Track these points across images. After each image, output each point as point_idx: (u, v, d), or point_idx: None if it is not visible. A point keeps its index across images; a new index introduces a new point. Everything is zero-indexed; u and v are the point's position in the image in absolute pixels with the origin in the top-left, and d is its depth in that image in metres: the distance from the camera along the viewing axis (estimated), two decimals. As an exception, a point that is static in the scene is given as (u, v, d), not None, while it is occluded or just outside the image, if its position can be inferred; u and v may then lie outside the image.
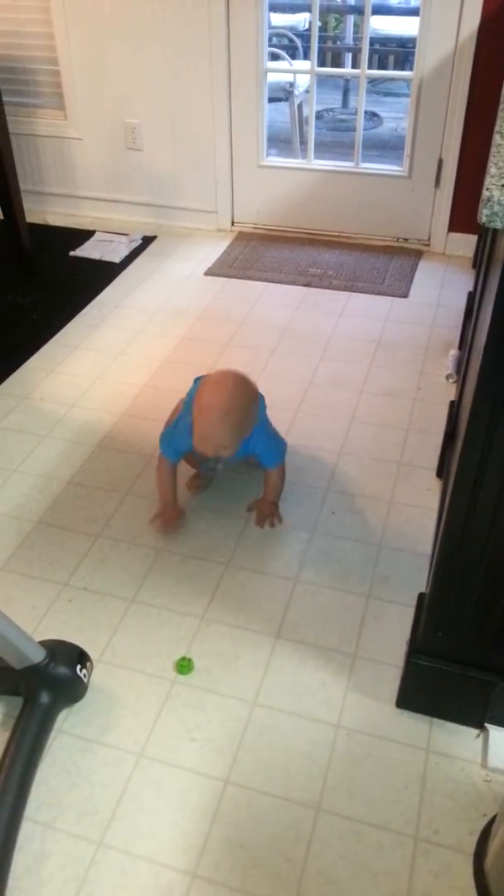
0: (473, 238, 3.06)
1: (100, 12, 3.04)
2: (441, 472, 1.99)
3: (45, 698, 1.37)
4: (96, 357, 2.54)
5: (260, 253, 3.20)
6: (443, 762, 1.37)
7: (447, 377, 2.38)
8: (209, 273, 3.06)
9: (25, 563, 1.77)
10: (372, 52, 4.79)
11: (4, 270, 3.06)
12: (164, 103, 3.17)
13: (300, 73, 4.13)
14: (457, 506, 1.16)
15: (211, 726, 1.43)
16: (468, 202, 3.03)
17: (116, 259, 3.17)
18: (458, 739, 1.40)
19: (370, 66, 3.80)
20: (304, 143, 3.44)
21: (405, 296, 2.87)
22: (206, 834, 1.27)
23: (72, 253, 3.23)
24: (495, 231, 1.23)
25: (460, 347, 2.47)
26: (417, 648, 1.37)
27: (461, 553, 1.20)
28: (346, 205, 3.22)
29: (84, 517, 1.89)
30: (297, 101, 4.17)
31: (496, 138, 1.12)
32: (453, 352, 2.46)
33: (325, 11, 5.55)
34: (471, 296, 2.63)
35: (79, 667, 1.42)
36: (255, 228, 3.38)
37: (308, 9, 4.77)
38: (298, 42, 4.89)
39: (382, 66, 5.34)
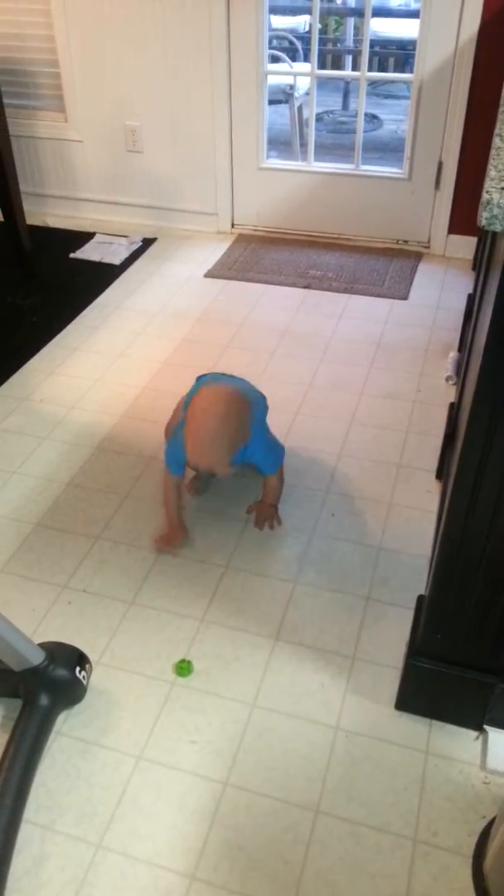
0: (473, 240, 3.06)
1: (100, 15, 3.04)
2: (440, 474, 1.99)
3: (44, 700, 1.37)
4: (96, 359, 2.54)
5: (260, 255, 3.20)
6: (442, 764, 1.37)
7: (447, 379, 2.38)
8: (209, 275, 3.06)
9: (25, 565, 1.77)
10: (372, 54, 4.80)
11: (4, 272, 3.07)
12: (164, 105, 3.18)
13: (300, 75, 4.13)
14: (456, 507, 1.16)
15: (210, 728, 1.43)
16: (468, 204, 3.04)
17: (116, 261, 3.17)
18: (457, 741, 1.40)
19: (370, 69, 3.81)
20: (304, 145, 3.44)
21: (405, 298, 2.87)
22: (204, 836, 1.27)
23: (72, 255, 3.23)
24: (495, 233, 1.23)
25: (460, 349, 2.47)
26: (416, 650, 1.37)
27: (461, 555, 1.21)
28: (346, 207, 3.22)
29: (83, 519, 1.89)
30: (297, 104, 4.18)
31: (496, 141, 1.13)
32: (453, 354, 2.47)
33: (326, 14, 5.56)
34: (470, 298, 2.63)
35: (78, 669, 1.42)
36: (255, 230, 3.38)
37: (308, 11, 4.78)
38: (299, 44, 4.90)
39: (382, 69, 5.35)
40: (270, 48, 3.13)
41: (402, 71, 5.21)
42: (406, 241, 3.23)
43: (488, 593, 1.23)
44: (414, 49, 2.88)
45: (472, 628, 1.28)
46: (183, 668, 1.51)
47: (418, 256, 3.17)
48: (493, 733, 1.40)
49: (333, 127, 5.11)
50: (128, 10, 3.00)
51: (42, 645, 1.42)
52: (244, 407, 1.65)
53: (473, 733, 1.41)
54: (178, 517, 1.81)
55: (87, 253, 3.24)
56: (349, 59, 5.53)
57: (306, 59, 4.63)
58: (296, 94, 4.14)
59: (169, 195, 3.39)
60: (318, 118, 4.98)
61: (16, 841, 1.23)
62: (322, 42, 5.53)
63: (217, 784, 1.34)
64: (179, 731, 1.42)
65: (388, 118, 5.16)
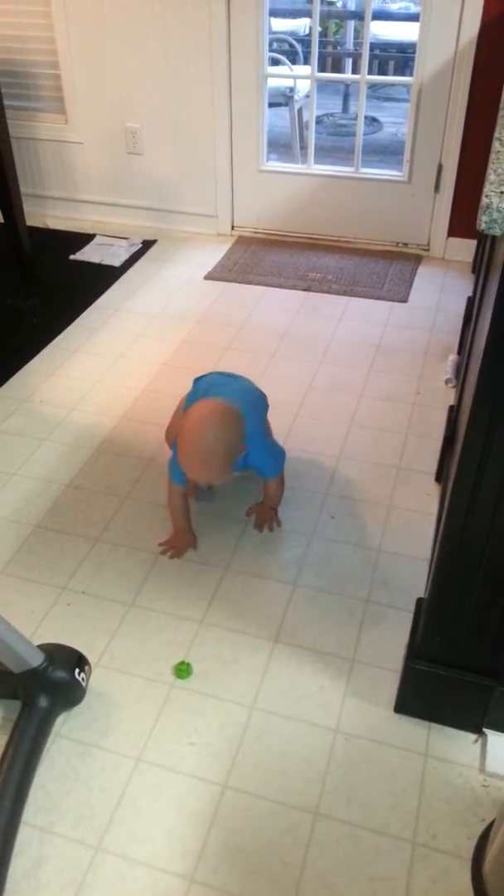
0: (473, 243, 3.07)
1: (101, 17, 3.05)
2: (440, 476, 2.00)
3: (43, 702, 1.37)
4: (96, 361, 2.54)
5: (260, 257, 3.20)
6: (441, 767, 1.37)
7: (446, 382, 2.39)
8: (209, 277, 3.06)
9: (24, 566, 1.77)
10: (372, 57, 4.80)
11: (4, 273, 3.07)
12: (164, 108, 3.18)
13: (300, 78, 4.14)
14: (456, 509, 1.16)
15: (209, 730, 1.42)
16: (468, 207, 3.04)
17: (116, 263, 3.17)
18: (456, 744, 1.40)
19: (370, 72, 3.81)
20: (304, 147, 3.44)
21: (404, 300, 2.88)
22: (203, 838, 1.27)
23: (72, 256, 3.23)
24: (494, 237, 1.23)
25: (459, 352, 2.47)
26: (416, 653, 1.37)
27: (460, 556, 1.21)
28: (345, 209, 3.23)
29: (83, 521, 1.89)
30: (297, 106, 4.18)
31: (495, 145, 1.13)
32: (452, 356, 2.47)
33: (326, 17, 5.57)
34: (470, 301, 2.63)
35: (77, 671, 1.42)
36: (255, 233, 3.39)
37: (308, 14, 4.79)
38: (299, 47, 4.91)
39: (382, 72, 5.35)
40: (270, 51, 3.13)
41: (402, 74, 5.21)
42: (406, 244, 3.23)
43: (488, 595, 1.23)
44: (414, 52, 2.88)
45: (471, 631, 1.28)
46: (182, 670, 1.51)
47: (418, 259, 3.17)
48: (492, 736, 1.39)
49: (333, 130, 5.12)
50: (128, 12, 3.00)
51: (41, 647, 1.42)
52: (234, 421, 1.62)
53: (472, 736, 1.41)
54: (186, 523, 1.81)
55: (87, 254, 3.25)
56: (349, 62, 5.53)
57: (306, 61, 4.63)
58: (296, 97, 4.15)
59: (169, 197, 3.39)
60: (318, 121, 4.98)
61: (14, 843, 1.23)
62: (322, 45, 5.54)
63: (216, 786, 1.34)
64: (178, 733, 1.42)
65: (387, 121, 5.16)
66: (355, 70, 5.08)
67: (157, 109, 3.20)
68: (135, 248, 3.30)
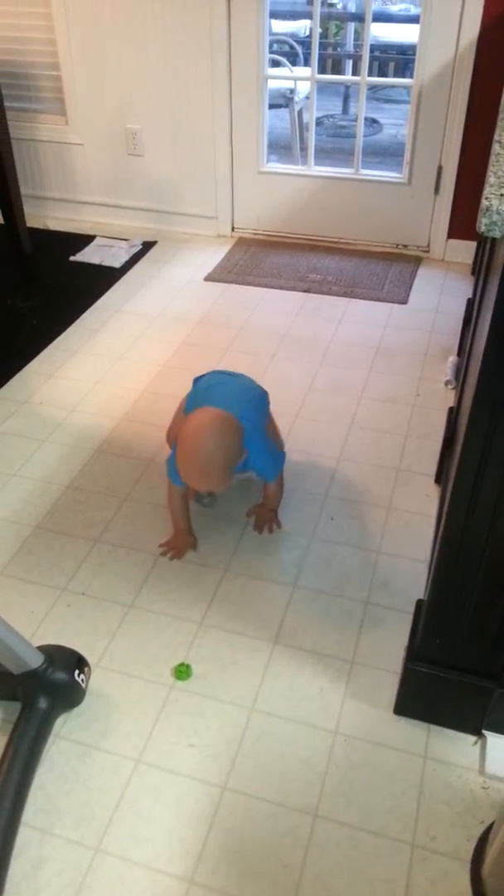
0: (473, 245, 3.07)
1: (101, 18, 3.05)
2: (440, 478, 2.00)
3: (43, 703, 1.37)
4: (96, 362, 2.54)
5: (260, 259, 3.21)
6: (440, 769, 1.37)
7: (446, 383, 2.39)
8: (209, 278, 3.07)
9: (24, 567, 1.77)
10: (372, 59, 4.81)
11: (5, 274, 3.07)
12: (165, 109, 3.18)
13: (301, 79, 4.14)
14: (456, 510, 1.16)
15: (209, 732, 1.42)
16: (467, 209, 3.04)
17: (116, 264, 3.18)
18: (455, 746, 1.40)
19: (370, 73, 3.81)
20: (304, 149, 3.44)
21: (404, 302, 2.88)
22: (203, 840, 1.27)
23: (72, 258, 3.23)
24: (494, 239, 1.24)
25: (459, 354, 2.47)
26: (415, 655, 1.37)
27: (460, 558, 1.21)
28: (345, 211, 3.23)
29: (83, 522, 1.89)
30: (297, 108, 4.19)
31: (495, 147, 1.13)
32: (452, 358, 2.47)
33: (326, 18, 5.57)
34: (470, 302, 2.64)
35: (77, 672, 1.42)
36: (255, 234, 3.39)
37: (309, 16, 4.79)
38: (299, 49, 4.91)
39: (383, 73, 5.36)
40: (271, 52, 3.13)
41: (402, 75, 5.22)
42: (406, 246, 3.23)
43: (487, 597, 1.23)
44: (414, 54, 2.88)
45: (470, 633, 1.28)
46: (182, 671, 1.51)
47: (418, 261, 3.17)
48: (492, 738, 1.39)
49: (333, 131, 5.12)
50: (128, 13, 3.01)
51: (41, 648, 1.42)
52: (233, 430, 1.62)
53: (472, 738, 1.41)
54: (186, 525, 1.81)
55: (87, 256, 3.25)
56: (349, 64, 5.54)
57: (307, 63, 4.64)
58: (296, 98, 4.15)
59: (169, 198, 3.40)
60: (318, 122, 4.98)
61: (14, 844, 1.23)
62: (322, 46, 5.54)
63: (215, 788, 1.34)
64: (178, 734, 1.42)
65: (387, 122, 5.17)
66: (355, 72, 5.08)
67: (157, 111, 3.20)
68: (135, 250, 3.30)
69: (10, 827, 1.23)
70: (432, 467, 2.05)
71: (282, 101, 4.17)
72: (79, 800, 1.32)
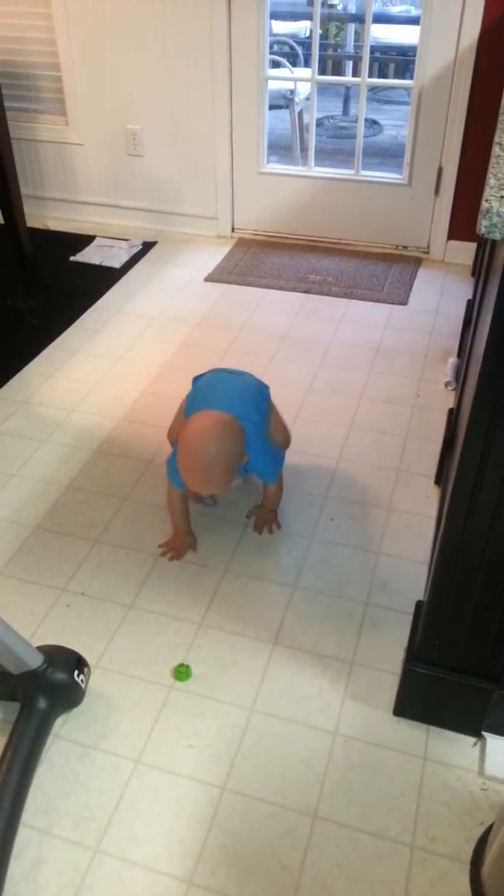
0: (473, 246, 3.07)
1: (101, 19, 3.05)
2: (439, 479, 2.00)
3: (42, 704, 1.37)
4: (96, 362, 2.54)
5: (260, 259, 3.21)
6: (440, 770, 1.37)
7: (446, 385, 2.39)
8: (209, 279, 3.07)
9: (23, 567, 1.77)
10: (372, 60, 4.80)
11: (5, 275, 3.07)
12: (165, 109, 3.18)
13: (301, 80, 4.14)
14: (455, 511, 1.16)
15: (208, 733, 1.42)
16: (467, 210, 3.04)
17: (116, 264, 3.18)
18: (455, 747, 1.40)
19: (371, 75, 3.81)
20: (304, 150, 3.45)
21: (404, 303, 2.88)
22: (202, 841, 1.27)
23: (72, 258, 3.23)
24: (494, 240, 1.24)
25: (459, 355, 2.47)
26: (415, 656, 1.37)
27: (460, 559, 1.21)
28: (345, 212, 3.23)
29: (83, 522, 1.89)
30: (297, 109, 4.19)
31: (495, 149, 1.13)
32: (452, 359, 2.47)
33: (326, 19, 5.57)
34: (470, 304, 2.64)
35: (76, 672, 1.42)
36: (255, 235, 3.39)
37: (309, 17, 4.80)
38: (299, 50, 4.91)
39: (383, 75, 5.36)
40: (271, 53, 3.13)
41: (403, 77, 5.22)
42: (406, 247, 3.23)
43: (487, 598, 1.23)
44: (414, 55, 2.88)
45: (470, 634, 1.28)
46: (181, 672, 1.51)
47: (418, 262, 3.17)
48: (491, 739, 1.40)
49: (334, 132, 5.13)
50: (129, 14, 3.01)
51: (40, 648, 1.42)
52: (234, 433, 1.61)
53: (471, 739, 1.41)
54: (185, 525, 1.81)
55: (88, 256, 3.25)
56: (349, 65, 5.54)
57: (307, 64, 4.64)
58: (296, 99, 4.15)
59: (169, 199, 3.40)
60: (319, 123, 4.98)
61: (13, 845, 1.23)
62: (323, 48, 5.54)
63: (215, 788, 1.34)
64: (177, 735, 1.42)
65: (388, 124, 5.17)
66: (356, 73, 5.09)
67: (157, 111, 3.20)
68: (135, 250, 3.30)
69: (9, 827, 1.23)
70: (432, 468, 2.05)
71: (282, 101, 4.18)
72: (78, 800, 1.32)
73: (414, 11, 5.25)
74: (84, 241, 3.37)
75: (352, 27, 5.54)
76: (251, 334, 2.69)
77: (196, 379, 1.87)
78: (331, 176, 3.21)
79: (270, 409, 1.85)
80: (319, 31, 3.08)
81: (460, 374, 2.19)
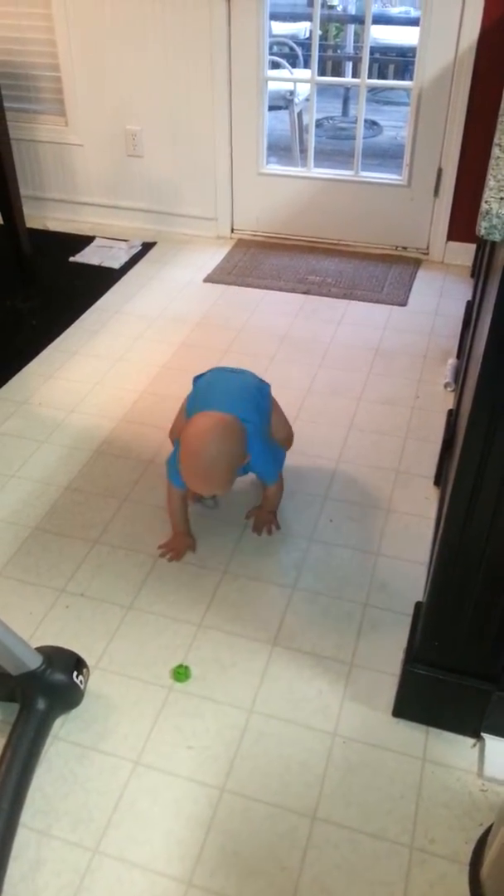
0: (472, 247, 3.07)
1: (101, 20, 3.05)
2: (439, 480, 2.00)
3: (41, 705, 1.37)
4: (95, 363, 2.54)
5: (259, 260, 3.21)
6: (439, 771, 1.37)
7: (445, 386, 2.39)
8: (208, 280, 3.07)
9: (22, 569, 1.77)
10: (372, 61, 4.80)
11: (4, 275, 3.07)
12: (164, 110, 3.18)
13: (300, 81, 4.15)
14: (455, 512, 1.16)
15: (207, 734, 1.42)
16: (467, 211, 3.05)
17: (116, 265, 3.18)
18: (454, 749, 1.40)
19: (370, 76, 3.81)
20: (303, 151, 3.45)
21: (404, 304, 2.88)
22: (201, 842, 1.27)
23: (71, 259, 3.23)
24: (494, 242, 1.24)
25: (458, 356, 2.48)
26: (414, 657, 1.37)
27: (459, 560, 1.21)
28: (345, 213, 3.23)
29: (82, 523, 1.89)
30: (297, 110, 4.19)
31: (495, 150, 1.13)
32: (451, 360, 2.47)
33: (326, 20, 5.58)
34: (469, 305, 2.64)
35: (75, 673, 1.42)
36: (255, 236, 3.39)
37: (309, 18, 4.80)
38: (299, 51, 4.91)
39: (382, 76, 5.36)
40: (271, 54, 3.14)
41: (402, 78, 5.22)
42: (405, 248, 3.23)
43: (486, 599, 1.23)
44: (414, 56, 2.89)
45: (470, 635, 1.28)
46: (180, 673, 1.51)
47: (417, 263, 3.18)
48: (490, 741, 1.40)
49: (333, 133, 5.13)
50: (128, 15, 3.01)
51: (39, 649, 1.42)
52: (236, 434, 1.61)
53: (470, 740, 1.41)
54: (185, 526, 1.81)
55: (87, 257, 3.25)
56: (349, 66, 5.55)
57: (306, 65, 4.64)
58: (296, 100, 4.15)
59: (169, 200, 3.40)
60: (318, 124, 4.99)
61: (12, 846, 1.23)
62: (322, 49, 5.54)
63: (214, 790, 1.34)
64: (176, 736, 1.42)
65: (387, 124, 5.17)
66: (355, 74, 5.09)
67: (157, 112, 3.20)
68: (134, 251, 3.30)
69: (8, 829, 1.22)
70: (431, 469, 2.05)
71: (282, 102, 4.18)
72: (77, 801, 1.32)
73: (413, 12, 5.25)
74: (83, 241, 3.37)
75: (351, 28, 5.54)
76: (250, 335, 2.69)
77: (197, 379, 1.87)
78: (330, 177, 3.21)
79: (272, 408, 1.85)
80: (319, 32, 3.09)
81: (459, 376, 2.19)
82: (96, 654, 1.56)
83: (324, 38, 5.65)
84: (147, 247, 3.34)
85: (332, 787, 1.34)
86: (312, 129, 3.19)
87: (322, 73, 5.20)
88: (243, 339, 2.66)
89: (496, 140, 1.20)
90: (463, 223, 3.08)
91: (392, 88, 5.80)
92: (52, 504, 1.95)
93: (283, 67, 4.40)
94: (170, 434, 1.94)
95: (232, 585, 1.73)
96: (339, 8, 5.80)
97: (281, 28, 5.10)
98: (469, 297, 2.78)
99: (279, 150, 4.38)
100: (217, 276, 3.09)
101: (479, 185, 2.73)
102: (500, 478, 1.10)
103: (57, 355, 2.59)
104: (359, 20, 5.22)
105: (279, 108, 4.20)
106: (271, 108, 3.33)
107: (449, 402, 2.33)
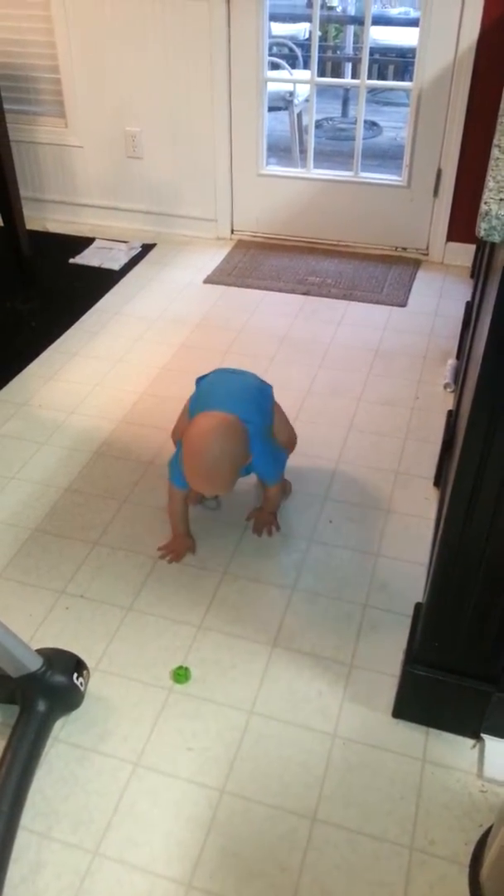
0: (472, 248, 3.07)
1: (101, 22, 3.05)
2: (438, 481, 2.00)
3: (41, 706, 1.37)
4: (95, 364, 2.54)
5: (259, 261, 3.21)
6: (439, 772, 1.37)
7: (445, 386, 2.39)
8: (208, 281, 3.07)
9: (22, 570, 1.77)
10: (372, 62, 4.81)
11: (4, 277, 3.07)
12: (164, 111, 3.19)
13: (300, 82, 4.15)
14: (454, 513, 1.16)
15: (207, 735, 1.42)
16: (467, 212, 3.05)
17: (116, 266, 3.18)
18: (454, 749, 1.40)
19: (370, 76, 3.82)
20: (303, 152, 3.45)
21: (403, 305, 2.88)
22: (201, 843, 1.27)
23: (71, 260, 3.23)
24: (493, 243, 1.24)
25: (458, 357, 2.47)
26: (414, 658, 1.37)
27: (459, 561, 1.21)
28: (345, 214, 3.23)
29: (82, 524, 1.89)
30: (296, 111, 4.19)
31: (495, 152, 1.13)
32: (451, 361, 2.47)
33: (326, 21, 5.58)
34: (469, 305, 2.64)
35: (75, 675, 1.42)
36: (255, 237, 3.39)
37: (308, 18, 4.80)
38: (298, 51, 4.92)
39: (382, 76, 5.36)
40: (270, 55, 3.14)
41: (402, 79, 5.22)
42: (405, 249, 3.24)
43: (486, 600, 1.23)
44: (413, 57, 2.89)
45: (469, 636, 1.28)
46: (180, 674, 1.51)
47: (417, 264, 3.18)
48: (490, 742, 1.39)
49: (333, 134, 5.13)
50: (128, 17, 3.01)
51: (40, 651, 1.42)
52: (238, 434, 1.61)
53: (470, 741, 1.41)
54: (185, 528, 1.81)
55: (87, 258, 3.25)
56: (349, 67, 5.54)
57: (306, 66, 4.64)
58: (295, 101, 4.16)
59: (168, 201, 3.40)
60: (318, 125, 4.99)
61: (13, 848, 1.23)
62: (322, 49, 5.54)
63: (214, 791, 1.34)
64: (176, 738, 1.42)
65: (387, 125, 5.17)
66: (355, 75, 5.09)
67: (156, 113, 3.20)
68: (134, 252, 3.30)
69: (8, 831, 1.22)
70: (431, 470, 2.05)
71: (281, 103, 4.18)
72: (77, 803, 1.32)
73: (413, 13, 5.26)
74: (83, 243, 3.37)
75: (351, 29, 5.54)
76: (250, 336, 2.69)
77: (199, 380, 1.87)
78: (330, 178, 3.21)
79: (274, 409, 1.85)
80: (318, 33, 3.09)
81: (459, 376, 2.19)
82: (96, 655, 1.56)
83: (323, 38, 5.65)
84: (147, 248, 3.34)
85: (332, 788, 1.34)
86: (312, 130, 3.19)
87: (322, 73, 5.20)
88: (243, 340, 2.66)
89: (496, 141, 1.20)
90: (462, 224, 3.08)
91: (392, 89, 5.81)
92: (52, 505, 1.95)
93: (283, 68, 4.40)
94: (172, 435, 1.94)
95: (232, 587, 1.73)
96: (339, 9, 5.81)
97: (280, 29, 5.10)
98: (469, 298, 2.78)
99: (279, 151, 4.38)
100: (217, 278, 3.09)
101: (478, 186, 2.73)
102: (500, 478, 1.10)
103: (57, 357, 2.59)
104: (358, 21, 5.22)
105: (279, 108, 4.20)
106: (271, 109, 3.33)
107: (448, 402, 2.33)
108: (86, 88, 3.24)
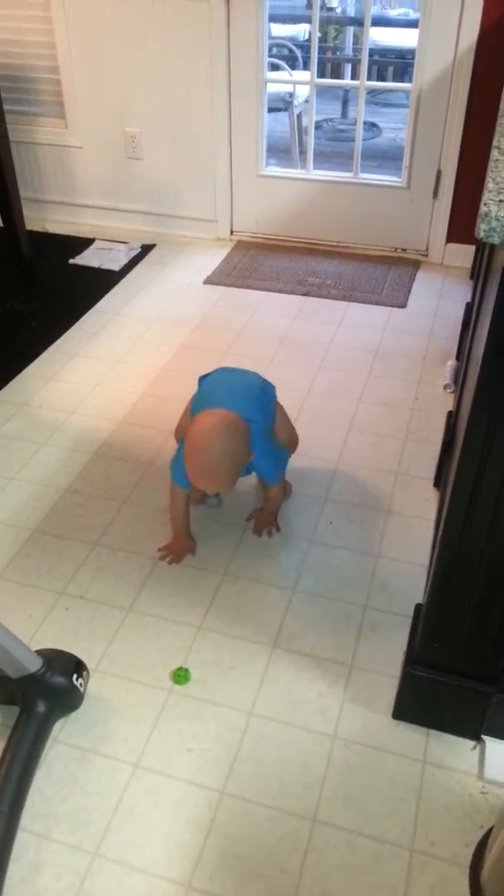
0: (471, 249, 3.07)
1: (100, 22, 3.05)
2: (438, 482, 2.00)
3: (41, 708, 1.37)
4: (95, 365, 2.54)
5: (259, 262, 3.21)
6: (439, 774, 1.36)
7: (445, 387, 2.39)
8: (208, 282, 3.07)
9: (22, 571, 1.77)
10: (371, 63, 4.82)
11: (4, 277, 3.07)
12: (164, 112, 3.19)
13: (300, 83, 4.15)
14: (454, 514, 1.16)
15: (207, 736, 1.42)
16: (466, 213, 3.05)
17: (116, 267, 3.18)
18: (454, 751, 1.40)
19: (369, 78, 3.82)
20: (303, 153, 3.45)
21: (403, 306, 2.88)
22: (201, 845, 1.27)
23: (71, 261, 3.23)
24: (493, 244, 1.24)
25: (458, 358, 2.48)
26: (414, 659, 1.37)
27: (459, 562, 1.21)
28: (344, 215, 3.23)
29: (81, 525, 1.89)
30: (296, 112, 4.19)
31: (494, 153, 1.13)
32: (451, 362, 2.47)
33: (325, 22, 5.58)
34: (468, 306, 2.64)
35: (75, 676, 1.41)
36: (254, 237, 3.39)
37: (308, 20, 4.81)
38: (298, 52, 4.92)
39: (382, 77, 5.37)
40: (270, 56, 3.14)
41: (401, 80, 5.23)
42: (404, 250, 3.24)
43: (486, 600, 1.23)
44: (413, 58, 2.89)
45: (469, 637, 1.28)
46: (180, 675, 1.51)
47: (416, 265, 3.18)
48: (491, 743, 1.39)
49: (332, 135, 5.13)
50: (128, 17, 3.01)
51: (39, 652, 1.42)
52: (240, 432, 1.62)
53: (471, 743, 1.41)
54: (185, 528, 1.81)
55: (87, 259, 3.25)
56: (348, 68, 5.55)
57: (306, 67, 4.64)
58: (295, 102, 4.16)
59: (168, 202, 3.40)
60: (318, 126, 4.98)
61: (12, 849, 1.23)
62: (321, 51, 5.55)
63: (214, 792, 1.34)
64: (176, 739, 1.42)
65: (386, 126, 5.17)
66: (354, 76, 5.09)
67: (156, 114, 3.20)
68: (134, 253, 3.30)
69: (8, 831, 1.22)
70: (431, 471, 2.05)
71: (281, 104, 4.18)
72: (77, 804, 1.32)
73: (412, 14, 5.25)
74: (83, 243, 3.37)
75: (350, 30, 5.55)
76: (250, 337, 2.69)
77: (202, 378, 1.87)
78: (330, 179, 3.21)
79: (276, 409, 1.85)
80: (318, 34, 3.09)
81: (459, 377, 2.19)
82: (96, 656, 1.56)
83: (323, 40, 5.66)
84: (146, 249, 3.35)
85: (332, 789, 1.34)
86: (312, 131, 3.19)
87: (321, 74, 5.20)
88: (243, 341, 2.66)
89: (495, 142, 1.20)
90: (462, 225, 3.08)
91: (391, 90, 5.81)
92: (51, 506, 1.95)
93: (283, 69, 4.41)
94: (175, 433, 1.94)
95: (232, 588, 1.73)
96: (339, 10, 5.81)
97: (280, 30, 5.11)
98: (468, 299, 2.78)
99: (279, 151, 4.38)
100: (217, 278, 3.09)
101: (478, 187, 2.73)
102: (500, 479, 1.10)
103: (57, 357, 2.59)
104: (358, 22, 5.22)
105: (278, 109, 4.21)
106: (271, 110, 3.33)
107: (448, 403, 2.33)
108: (86, 89, 3.24)
